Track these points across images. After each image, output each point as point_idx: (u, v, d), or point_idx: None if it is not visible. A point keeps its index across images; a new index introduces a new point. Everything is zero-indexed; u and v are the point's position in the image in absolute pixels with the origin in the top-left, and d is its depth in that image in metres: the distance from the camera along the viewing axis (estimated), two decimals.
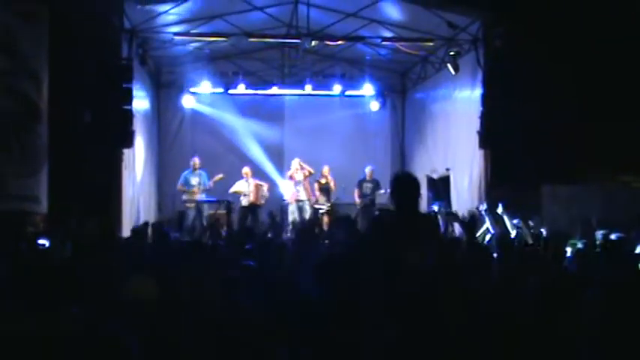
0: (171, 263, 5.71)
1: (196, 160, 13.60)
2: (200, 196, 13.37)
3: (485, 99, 11.56)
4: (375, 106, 15.97)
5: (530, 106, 11.01)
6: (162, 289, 4.46)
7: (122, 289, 4.34)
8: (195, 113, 15.67)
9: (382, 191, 13.62)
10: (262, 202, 13.72)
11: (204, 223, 12.92)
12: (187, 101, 15.25)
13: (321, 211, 13.81)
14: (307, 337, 4.07)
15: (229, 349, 3.95)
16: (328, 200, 14.00)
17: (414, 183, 4.87)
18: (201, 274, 5.06)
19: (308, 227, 11.12)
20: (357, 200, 13.98)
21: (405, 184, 4.90)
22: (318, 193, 14.05)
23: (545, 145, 11.13)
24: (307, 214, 13.68)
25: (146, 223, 10.03)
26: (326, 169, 14.08)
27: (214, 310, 4.31)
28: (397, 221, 4.81)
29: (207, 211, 13.39)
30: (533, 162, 11.21)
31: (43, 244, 6.80)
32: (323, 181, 14.02)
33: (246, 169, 13.70)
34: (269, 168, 15.13)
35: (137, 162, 12.70)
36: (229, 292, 4.53)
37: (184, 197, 13.46)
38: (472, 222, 7.84)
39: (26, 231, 8.31)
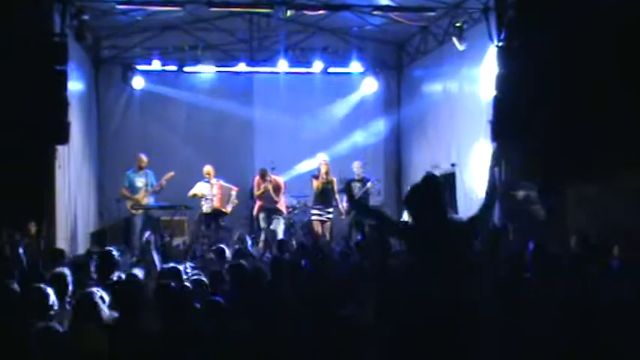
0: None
1: (142, 158, 13.06)
2: (148, 200, 12.93)
3: (500, 81, 11.27)
4: (364, 85, 15.66)
5: (552, 90, 10.69)
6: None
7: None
8: (144, 96, 15.14)
9: (370, 184, 13.36)
10: (229, 209, 13.16)
11: (156, 233, 12.35)
12: (136, 82, 14.74)
13: (319, 218, 13.15)
14: None
15: None
16: (330, 205, 13.19)
17: (434, 183, 4.95)
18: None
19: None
20: (346, 207, 13.03)
21: (423, 187, 4.94)
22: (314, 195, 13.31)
23: (570, 138, 10.73)
24: (279, 227, 13.09)
25: (89, 253, 9.51)
26: (324, 167, 13.12)
27: None
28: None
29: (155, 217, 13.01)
30: (557, 158, 10.94)
31: None
32: (322, 180, 13.08)
33: (207, 168, 13.08)
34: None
35: (73, 158, 12.11)
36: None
37: (129, 203, 12.93)
38: None
39: None
